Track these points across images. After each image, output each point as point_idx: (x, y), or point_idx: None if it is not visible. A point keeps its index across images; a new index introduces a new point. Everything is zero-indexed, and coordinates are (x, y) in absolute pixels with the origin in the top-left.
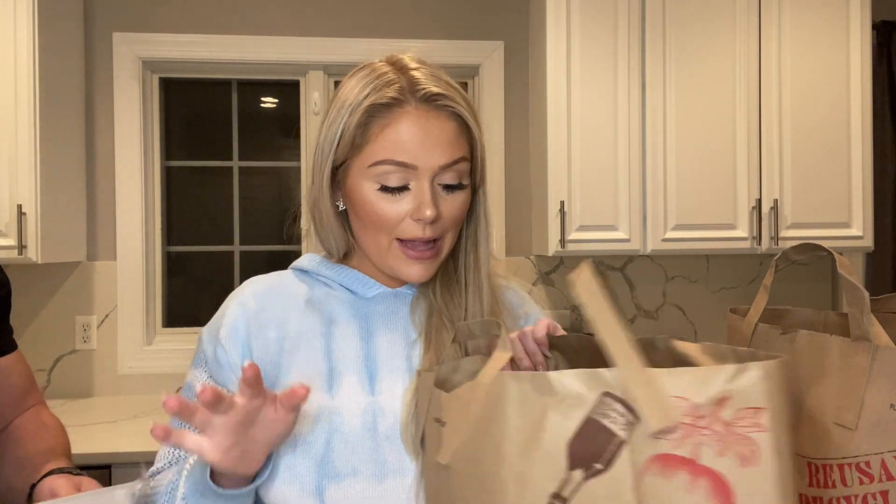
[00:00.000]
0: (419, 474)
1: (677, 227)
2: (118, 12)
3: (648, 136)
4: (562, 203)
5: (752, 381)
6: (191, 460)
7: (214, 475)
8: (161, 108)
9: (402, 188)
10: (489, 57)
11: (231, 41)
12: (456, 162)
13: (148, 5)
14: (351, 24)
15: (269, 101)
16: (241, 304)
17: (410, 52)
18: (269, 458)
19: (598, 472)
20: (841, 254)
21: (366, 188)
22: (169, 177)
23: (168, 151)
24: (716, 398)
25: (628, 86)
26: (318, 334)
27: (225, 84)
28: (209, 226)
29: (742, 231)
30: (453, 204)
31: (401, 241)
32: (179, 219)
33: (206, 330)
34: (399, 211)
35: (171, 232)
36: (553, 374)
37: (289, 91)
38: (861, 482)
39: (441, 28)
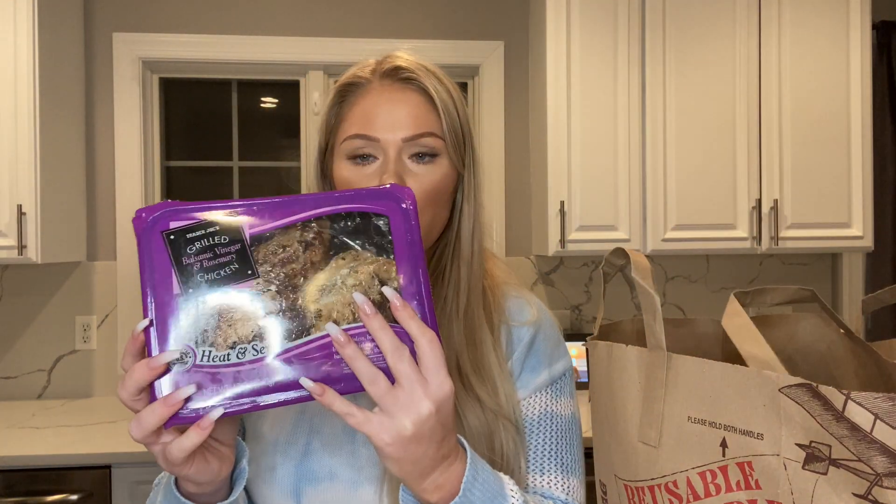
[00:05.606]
0: (388, 481)
1: (677, 227)
2: (118, 12)
3: (648, 136)
4: (562, 203)
5: None
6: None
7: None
8: (161, 108)
9: (369, 157)
10: (489, 57)
11: (231, 41)
12: (421, 136)
13: (148, 5)
14: (351, 24)
15: (269, 101)
16: None
17: (406, 49)
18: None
19: None
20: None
21: (342, 166)
22: (169, 177)
23: (168, 151)
24: None
25: (628, 85)
26: None
27: (225, 84)
28: None
29: (742, 231)
30: (424, 178)
31: None
32: None
33: None
34: (368, 183)
35: None
36: None
37: (289, 91)
38: None
39: (441, 28)
